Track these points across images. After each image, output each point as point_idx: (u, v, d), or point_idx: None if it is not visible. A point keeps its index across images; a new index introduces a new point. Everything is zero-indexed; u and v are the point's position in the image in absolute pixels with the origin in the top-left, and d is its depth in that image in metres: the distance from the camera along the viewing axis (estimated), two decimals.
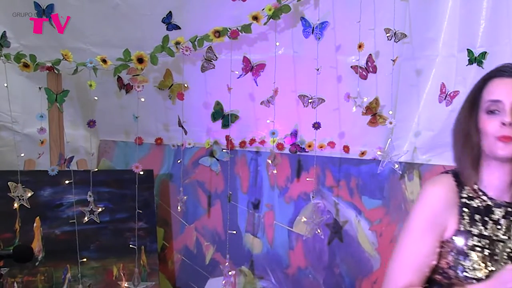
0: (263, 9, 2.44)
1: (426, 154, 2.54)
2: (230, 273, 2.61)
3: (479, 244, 1.58)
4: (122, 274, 2.61)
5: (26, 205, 2.46)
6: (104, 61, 2.50)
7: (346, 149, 2.64)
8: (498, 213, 1.60)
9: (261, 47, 2.60)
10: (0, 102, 2.56)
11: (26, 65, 2.48)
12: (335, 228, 2.71)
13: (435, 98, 2.46)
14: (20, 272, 2.42)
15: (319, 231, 2.55)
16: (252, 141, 2.73)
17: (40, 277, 2.46)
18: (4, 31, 2.59)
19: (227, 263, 2.60)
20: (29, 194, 2.48)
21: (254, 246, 2.80)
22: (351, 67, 2.51)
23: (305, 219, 2.59)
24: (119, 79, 2.72)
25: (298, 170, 2.73)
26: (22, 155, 2.57)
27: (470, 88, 2.31)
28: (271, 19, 2.45)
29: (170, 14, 2.61)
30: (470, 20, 2.30)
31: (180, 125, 2.71)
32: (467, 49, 2.31)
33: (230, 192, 2.72)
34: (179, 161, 2.75)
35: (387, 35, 2.41)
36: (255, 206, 2.79)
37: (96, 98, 2.60)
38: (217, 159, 2.79)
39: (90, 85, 2.49)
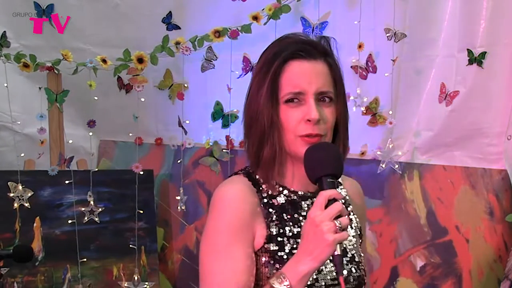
0: (263, 9, 2.44)
1: (426, 154, 2.54)
2: None
3: (295, 245, 1.28)
4: (122, 274, 2.60)
5: (26, 205, 2.46)
6: (104, 61, 2.50)
7: None
8: (305, 206, 1.35)
9: (261, 47, 2.59)
10: (0, 102, 2.55)
11: (26, 65, 2.47)
12: None
13: (435, 98, 2.46)
14: (20, 272, 2.41)
15: None
16: None
17: (40, 277, 2.46)
18: (4, 31, 2.59)
19: None
20: (29, 194, 2.47)
21: None
22: (351, 67, 2.51)
23: None
24: (119, 79, 2.72)
25: None
26: (22, 155, 2.56)
27: (471, 87, 2.35)
28: (271, 19, 2.45)
29: (170, 14, 2.61)
30: (470, 20, 2.31)
31: (180, 125, 2.71)
32: (467, 49, 2.31)
33: None
34: (179, 161, 2.74)
35: (387, 35, 2.41)
36: None
37: (96, 98, 2.60)
38: (217, 159, 2.79)
39: (90, 85, 2.49)
